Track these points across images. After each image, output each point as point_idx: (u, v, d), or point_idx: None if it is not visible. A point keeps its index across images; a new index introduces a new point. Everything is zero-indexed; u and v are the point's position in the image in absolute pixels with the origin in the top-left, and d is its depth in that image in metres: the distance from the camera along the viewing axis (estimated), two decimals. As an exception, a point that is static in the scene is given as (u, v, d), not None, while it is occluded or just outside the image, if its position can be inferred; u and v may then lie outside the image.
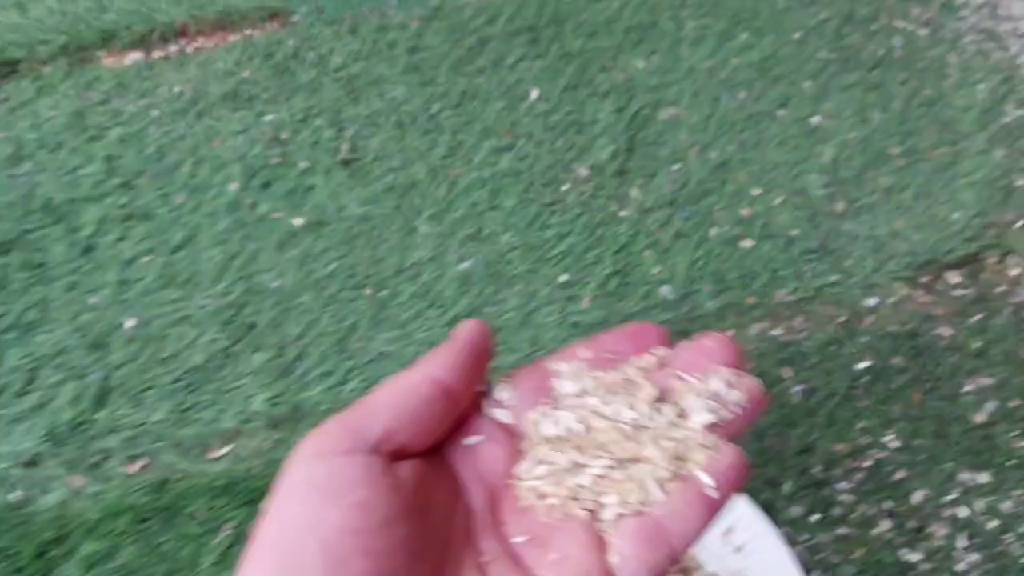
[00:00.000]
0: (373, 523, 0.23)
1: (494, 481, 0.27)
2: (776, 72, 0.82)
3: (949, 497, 0.57)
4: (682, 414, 0.26)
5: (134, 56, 0.87)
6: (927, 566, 0.55)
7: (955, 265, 0.69)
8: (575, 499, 0.25)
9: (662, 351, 0.28)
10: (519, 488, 0.26)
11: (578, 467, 0.25)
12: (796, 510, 0.57)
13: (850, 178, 0.74)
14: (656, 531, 0.24)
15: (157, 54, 0.87)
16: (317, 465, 0.24)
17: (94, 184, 0.74)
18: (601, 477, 0.25)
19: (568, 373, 0.28)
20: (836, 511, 0.57)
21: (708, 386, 0.26)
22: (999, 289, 0.68)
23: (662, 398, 0.27)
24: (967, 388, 0.62)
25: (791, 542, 0.55)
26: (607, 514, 0.25)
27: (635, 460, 0.25)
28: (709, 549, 0.52)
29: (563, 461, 0.26)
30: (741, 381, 0.26)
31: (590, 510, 0.25)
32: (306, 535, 0.23)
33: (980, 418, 0.60)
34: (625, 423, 0.26)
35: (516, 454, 0.27)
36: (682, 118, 0.78)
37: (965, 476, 0.58)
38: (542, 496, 0.25)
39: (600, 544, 0.24)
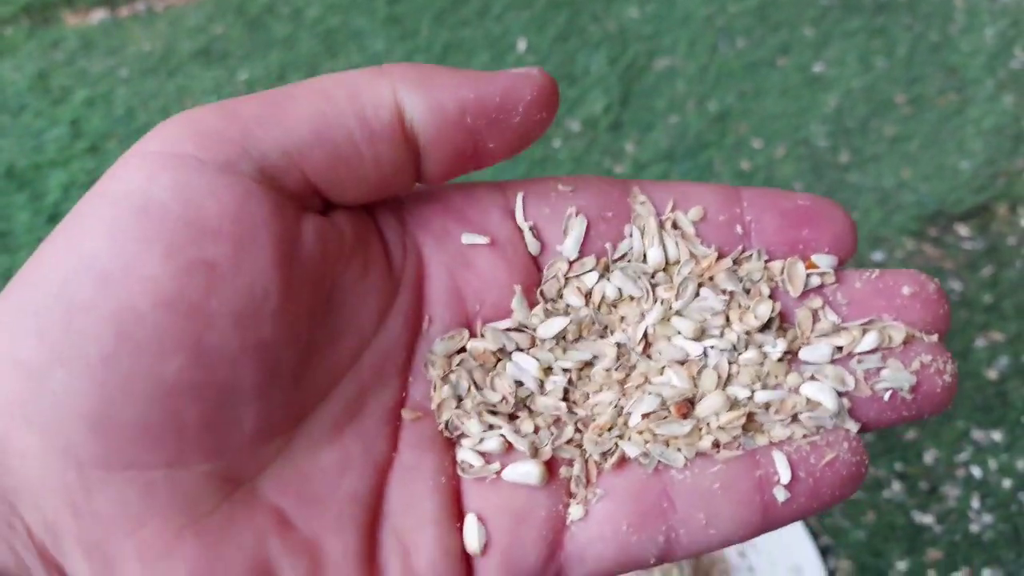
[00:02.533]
0: (226, 299, 0.16)
1: (472, 313, 0.20)
2: (776, 19, 0.78)
3: (962, 457, 0.55)
4: (794, 364, 0.20)
5: (99, 14, 0.83)
6: (940, 528, 0.52)
7: (964, 217, 0.66)
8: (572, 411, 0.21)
9: (827, 261, 0.21)
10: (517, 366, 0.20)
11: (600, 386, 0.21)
12: (803, 473, 0.54)
13: (854, 128, 0.71)
14: (648, 505, 0.19)
15: (124, 12, 0.83)
16: (161, 171, 0.16)
17: (59, 148, 0.70)
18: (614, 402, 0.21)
19: (644, 213, 0.21)
20: (845, 473, 0.54)
21: (863, 342, 0.20)
22: (1010, 241, 0.65)
23: (782, 326, 0.21)
24: (979, 344, 0.60)
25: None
26: (593, 450, 0.20)
27: (688, 404, 0.20)
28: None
29: (571, 363, 0.21)
30: (921, 354, 0.20)
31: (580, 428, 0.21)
32: (102, 293, 0.16)
33: (992, 374, 0.58)
34: (691, 348, 0.21)
35: (522, 294, 0.20)
36: (678, 68, 0.75)
37: (978, 434, 0.56)
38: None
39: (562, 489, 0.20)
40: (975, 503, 0.53)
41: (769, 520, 0.20)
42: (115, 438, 0.16)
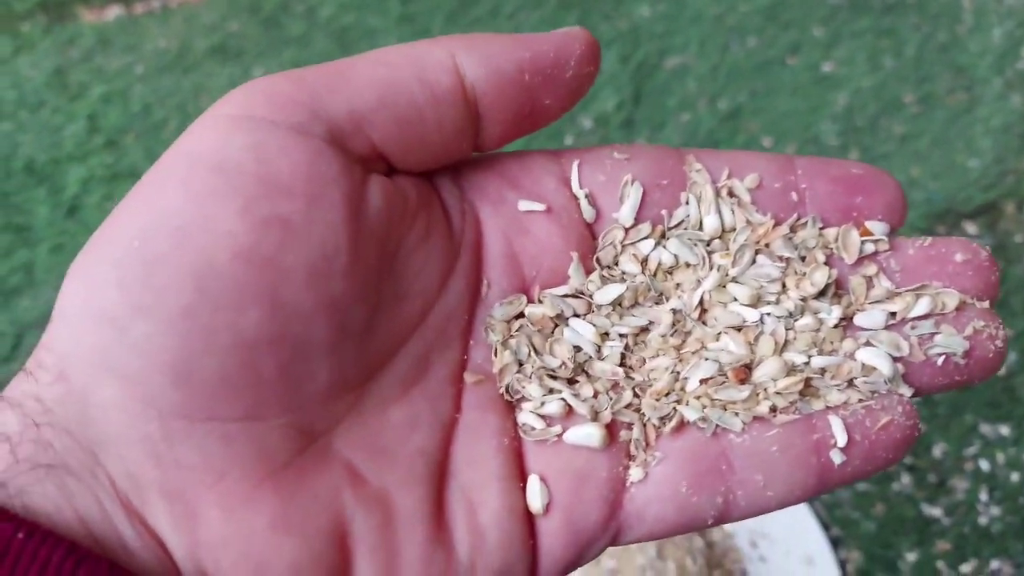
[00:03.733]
0: (299, 254, 0.16)
1: (529, 279, 0.21)
2: (786, 18, 0.79)
3: (970, 450, 0.56)
4: (849, 330, 0.21)
5: (115, 11, 0.83)
6: (949, 520, 0.53)
7: (972, 214, 0.67)
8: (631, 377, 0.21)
9: (880, 228, 0.21)
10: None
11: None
12: (814, 466, 0.55)
13: (864, 126, 0.71)
14: (706, 466, 0.20)
15: (139, 9, 0.83)
16: (236, 131, 0.17)
17: (77, 144, 0.71)
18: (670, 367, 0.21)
19: (701, 183, 0.21)
20: (855, 466, 0.55)
21: (917, 307, 0.20)
22: (1017, 238, 0.66)
23: (837, 293, 0.21)
24: (987, 339, 0.60)
25: (809, 499, 0.53)
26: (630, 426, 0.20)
27: (745, 369, 0.21)
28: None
29: (628, 328, 0.21)
30: (973, 319, 0.20)
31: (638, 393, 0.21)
32: (181, 246, 0.16)
33: (1000, 370, 0.59)
34: (748, 314, 0.21)
35: (572, 259, 0.21)
36: (690, 66, 0.75)
37: (986, 428, 0.57)
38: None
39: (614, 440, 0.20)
40: (983, 496, 0.54)
41: (824, 482, 0.20)
42: (196, 389, 0.16)
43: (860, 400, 0.21)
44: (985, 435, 0.56)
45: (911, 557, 0.52)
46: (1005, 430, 0.57)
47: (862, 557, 0.52)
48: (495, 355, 0.21)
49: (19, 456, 0.16)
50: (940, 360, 0.21)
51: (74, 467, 0.16)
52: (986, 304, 0.21)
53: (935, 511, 0.54)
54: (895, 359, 0.21)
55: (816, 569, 0.49)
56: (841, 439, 0.20)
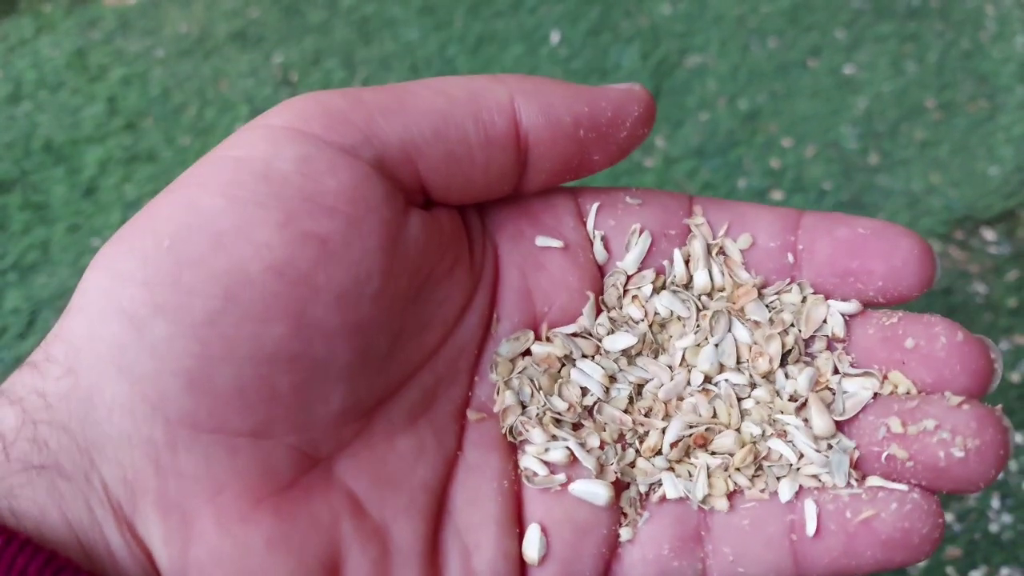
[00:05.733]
0: (332, 274, 0.16)
1: (539, 315, 0.21)
2: (808, 21, 0.78)
3: (983, 458, 0.56)
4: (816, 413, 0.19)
5: (137, -6, 0.84)
6: (960, 526, 0.53)
7: (991, 221, 0.67)
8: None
9: (847, 307, 0.20)
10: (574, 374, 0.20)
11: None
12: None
13: (884, 131, 0.71)
14: (685, 534, 0.19)
15: (161, -7, 0.84)
16: (286, 143, 0.16)
17: (96, 125, 0.71)
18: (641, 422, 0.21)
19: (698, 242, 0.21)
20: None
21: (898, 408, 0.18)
22: (1035, 248, 0.66)
23: (805, 361, 0.20)
24: (1002, 347, 0.60)
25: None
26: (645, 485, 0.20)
27: (703, 436, 0.20)
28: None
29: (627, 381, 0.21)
30: (969, 419, 0.17)
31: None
32: (215, 251, 0.16)
33: (1016, 377, 0.59)
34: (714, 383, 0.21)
35: (588, 299, 0.20)
36: (710, 66, 0.75)
37: (1000, 437, 0.56)
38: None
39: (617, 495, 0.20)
40: (995, 503, 0.54)
41: (802, 570, 0.19)
42: (209, 398, 0.16)
43: (851, 485, 0.19)
44: (998, 443, 0.56)
45: (921, 562, 0.52)
46: (1019, 438, 0.56)
47: (871, 561, 0.52)
48: (497, 394, 0.20)
49: (11, 456, 0.16)
50: (884, 456, 0.19)
51: (68, 469, 0.16)
52: (956, 400, 0.18)
53: (947, 517, 0.53)
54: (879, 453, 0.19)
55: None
56: (810, 526, 0.19)
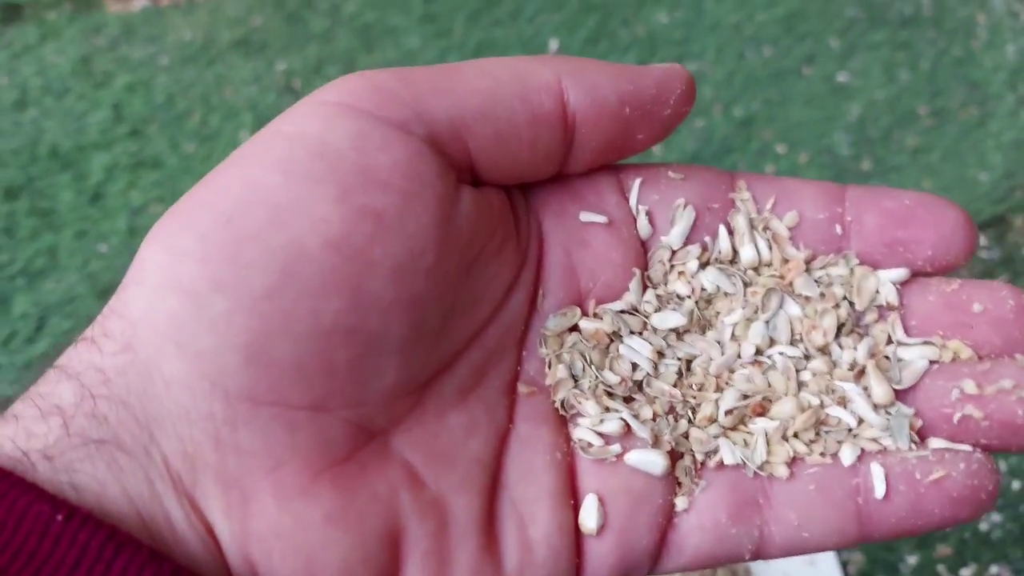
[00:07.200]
0: (388, 248, 0.16)
1: (584, 291, 0.21)
2: (802, 29, 0.80)
3: (973, 458, 0.57)
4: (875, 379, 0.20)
5: (141, 2, 0.85)
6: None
7: (981, 227, 0.68)
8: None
9: (896, 275, 0.20)
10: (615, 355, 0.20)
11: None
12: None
13: (877, 138, 0.72)
14: (746, 497, 0.20)
15: (164, 0, 0.84)
16: (340, 119, 0.17)
17: (102, 131, 0.72)
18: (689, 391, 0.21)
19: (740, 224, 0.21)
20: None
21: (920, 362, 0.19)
22: (1025, 252, 0.67)
23: (858, 332, 0.20)
24: (993, 350, 0.61)
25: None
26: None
27: (762, 405, 0.20)
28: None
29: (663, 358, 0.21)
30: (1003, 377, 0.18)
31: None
32: (272, 226, 0.16)
33: (1005, 380, 0.60)
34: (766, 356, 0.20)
35: (634, 275, 0.20)
36: (706, 73, 0.76)
37: (989, 438, 0.57)
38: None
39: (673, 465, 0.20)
40: (985, 504, 0.55)
41: (867, 530, 0.19)
42: (267, 373, 0.16)
43: (913, 448, 0.20)
44: (988, 444, 0.57)
45: (912, 560, 0.53)
46: (1008, 440, 0.57)
47: (864, 559, 0.53)
48: (548, 368, 0.21)
49: (71, 430, 0.16)
50: (957, 417, 0.20)
51: (127, 443, 0.16)
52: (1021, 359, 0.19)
53: (937, 517, 0.54)
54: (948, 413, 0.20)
55: (818, 570, 0.50)
56: (879, 488, 0.19)
